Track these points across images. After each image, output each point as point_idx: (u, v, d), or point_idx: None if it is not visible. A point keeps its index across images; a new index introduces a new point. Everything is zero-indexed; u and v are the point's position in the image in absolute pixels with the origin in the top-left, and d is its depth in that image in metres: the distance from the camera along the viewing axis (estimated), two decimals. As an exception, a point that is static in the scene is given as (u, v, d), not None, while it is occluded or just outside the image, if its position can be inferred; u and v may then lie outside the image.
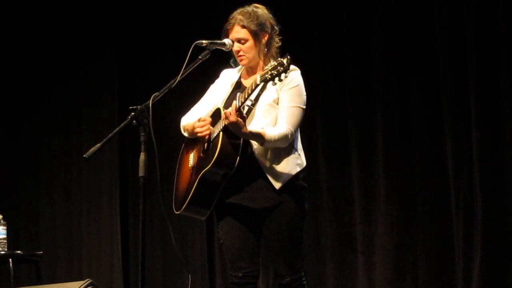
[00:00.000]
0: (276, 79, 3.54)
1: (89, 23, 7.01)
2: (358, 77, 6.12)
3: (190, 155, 3.97)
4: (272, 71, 3.54)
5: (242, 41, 3.87)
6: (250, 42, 3.87)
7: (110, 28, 7.00)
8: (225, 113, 3.63)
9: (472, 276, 5.56)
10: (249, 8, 3.91)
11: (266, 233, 3.86)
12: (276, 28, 3.93)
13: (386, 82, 6.01)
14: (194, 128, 3.87)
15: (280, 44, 3.92)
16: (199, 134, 3.84)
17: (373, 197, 6.00)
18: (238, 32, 3.87)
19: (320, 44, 6.25)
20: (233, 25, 3.87)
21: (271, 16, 3.93)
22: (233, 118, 3.61)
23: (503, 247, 5.51)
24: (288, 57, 3.54)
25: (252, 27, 3.85)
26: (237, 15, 3.88)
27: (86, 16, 7.02)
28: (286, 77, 3.56)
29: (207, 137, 3.82)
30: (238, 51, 3.88)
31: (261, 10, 3.92)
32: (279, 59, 3.57)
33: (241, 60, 3.90)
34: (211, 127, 3.83)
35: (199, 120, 3.86)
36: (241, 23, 3.86)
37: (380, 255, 5.93)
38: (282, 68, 3.53)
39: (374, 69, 6.05)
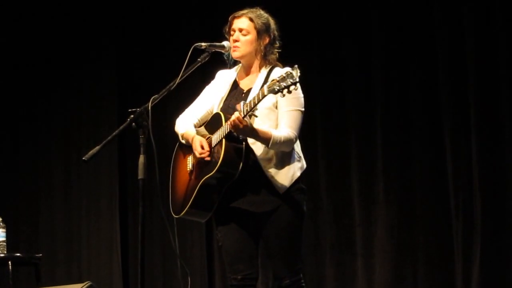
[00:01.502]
0: (285, 91, 3.51)
1: (88, 24, 7.01)
2: (358, 78, 6.11)
3: (188, 158, 3.96)
4: (281, 83, 3.51)
5: (244, 31, 3.88)
6: (251, 36, 3.87)
7: (109, 29, 6.99)
8: (232, 122, 3.61)
9: (472, 277, 5.55)
10: (260, 10, 3.94)
11: (265, 235, 3.86)
12: (278, 41, 3.93)
13: (385, 83, 6.00)
14: (194, 148, 3.85)
15: (277, 57, 3.91)
16: (198, 156, 3.83)
17: (372, 199, 5.99)
18: (243, 22, 3.88)
19: (319, 44, 6.25)
20: (241, 16, 3.90)
21: (277, 28, 3.94)
22: (241, 126, 3.61)
23: (503, 248, 5.51)
24: (298, 69, 3.51)
25: (259, 24, 3.87)
26: (247, 10, 3.91)
27: (86, 17, 7.01)
28: (296, 89, 3.53)
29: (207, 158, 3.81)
30: (236, 41, 3.88)
31: (270, 17, 3.95)
32: (288, 70, 3.54)
33: (234, 51, 3.90)
34: (208, 134, 3.84)
35: (201, 146, 3.82)
36: (249, 16, 3.88)
37: (380, 257, 5.92)
38: (291, 81, 3.49)
39: (373, 70, 6.05)
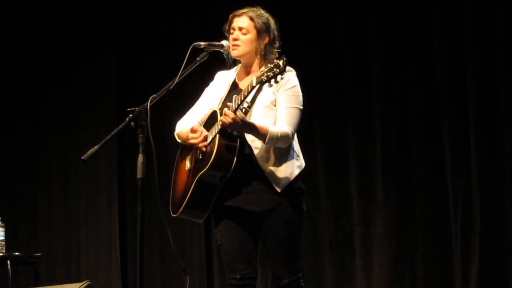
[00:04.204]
0: (272, 80, 3.55)
1: (87, 25, 7.01)
2: (357, 79, 6.11)
3: (187, 158, 3.96)
4: (268, 73, 3.54)
5: (244, 30, 3.87)
6: (251, 36, 3.87)
7: (108, 30, 6.99)
8: (223, 115, 3.63)
9: (471, 278, 5.56)
10: (261, 10, 3.94)
11: (265, 235, 3.86)
12: (278, 41, 3.93)
13: (384, 84, 6.01)
14: (188, 138, 3.86)
15: (277, 56, 3.90)
16: (194, 145, 3.83)
17: (371, 199, 5.99)
18: (243, 21, 3.88)
19: (318, 45, 6.25)
20: (241, 15, 3.90)
21: (278, 28, 3.94)
22: (230, 119, 3.62)
23: (501, 249, 5.51)
24: (284, 58, 3.55)
25: (259, 23, 3.87)
26: (247, 9, 3.91)
27: (85, 17, 7.01)
28: (282, 78, 3.57)
29: (203, 148, 3.81)
30: (235, 39, 3.88)
31: (270, 17, 3.95)
32: (275, 60, 3.58)
33: (233, 49, 3.90)
34: (206, 132, 3.83)
35: (192, 131, 3.84)
36: (250, 15, 3.88)
37: (379, 257, 5.93)
38: (278, 70, 3.53)
39: (373, 72, 6.05)
